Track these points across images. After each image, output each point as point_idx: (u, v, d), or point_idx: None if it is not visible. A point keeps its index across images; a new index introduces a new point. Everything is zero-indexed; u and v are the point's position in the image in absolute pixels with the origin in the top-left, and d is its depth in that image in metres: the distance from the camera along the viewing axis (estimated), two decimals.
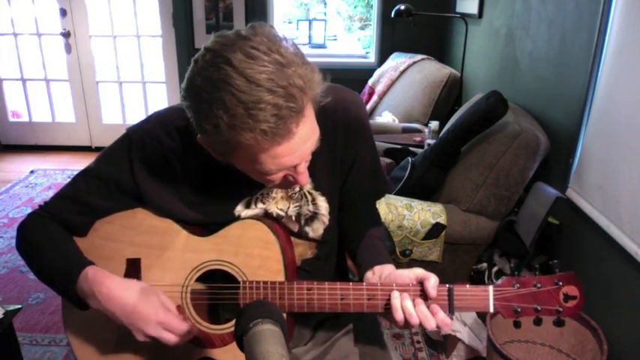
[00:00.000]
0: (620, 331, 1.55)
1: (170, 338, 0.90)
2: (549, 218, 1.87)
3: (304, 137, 0.78)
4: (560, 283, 0.85)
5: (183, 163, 0.96)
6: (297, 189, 1.00)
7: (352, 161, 1.02)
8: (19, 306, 1.48)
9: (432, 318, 0.85)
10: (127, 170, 0.96)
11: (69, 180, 1.01)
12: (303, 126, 0.77)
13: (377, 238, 1.05)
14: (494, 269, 2.02)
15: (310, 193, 1.01)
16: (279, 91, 0.71)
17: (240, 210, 0.99)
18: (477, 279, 2.10)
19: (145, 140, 0.95)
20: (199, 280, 0.99)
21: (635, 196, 1.43)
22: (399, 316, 0.85)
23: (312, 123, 0.81)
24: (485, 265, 2.07)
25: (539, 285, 0.85)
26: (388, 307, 0.87)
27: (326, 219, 1.03)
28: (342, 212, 1.09)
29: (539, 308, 0.86)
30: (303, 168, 0.85)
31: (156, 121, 0.97)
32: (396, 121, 3.36)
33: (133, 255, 1.00)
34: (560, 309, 0.86)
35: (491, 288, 0.86)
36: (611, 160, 1.57)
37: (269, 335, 0.71)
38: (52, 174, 3.87)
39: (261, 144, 0.75)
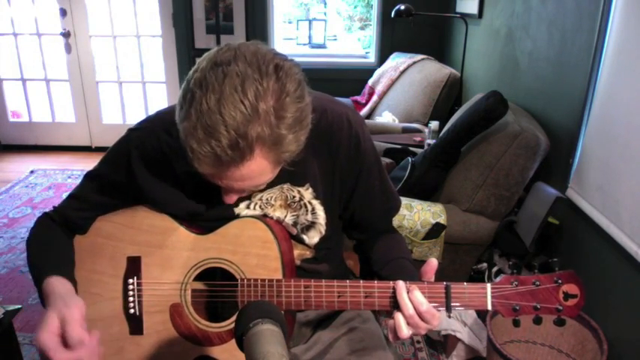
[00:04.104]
0: (620, 331, 1.55)
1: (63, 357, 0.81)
2: (549, 218, 1.87)
3: (234, 178, 0.77)
4: (560, 281, 0.84)
5: (182, 161, 0.96)
6: (298, 198, 1.00)
7: (355, 178, 1.02)
8: (19, 306, 1.48)
9: (437, 313, 0.85)
10: (124, 169, 0.97)
11: (76, 175, 1.06)
12: (236, 171, 0.75)
13: (405, 259, 1.04)
14: (495, 269, 2.02)
15: (310, 203, 1.01)
16: (232, 135, 0.70)
17: (240, 210, 1.00)
18: (477, 279, 2.10)
19: (143, 138, 0.96)
20: (199, 278, 0.99)
21: (635, 196, 1.43)
22: (407, 310, 0.84)
23: (253, 173, 0.77)
24: (485, 265, 2.07)
25: (537, 283, 0.85)
26: (393, 304, 0.87)
27: (323, 229, 1.04)
28: (357, 232, 1.12)
29: (538, 306, 0.85)
30: (229, 193, 0.87)
31: (155, 120, 0.98)
32: (396, 121, 3.36)
33: (133, 253, 1.00)
34: (560, 307, 0.85)
35: (489, 286, 0.86)
36: (611, 160, 1.57)
37: (269, 335, 0.71)
38: (52, 174, 3.86)
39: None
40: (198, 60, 0.78)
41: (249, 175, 0.78)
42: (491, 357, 1.61)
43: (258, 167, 0.77)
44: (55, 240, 1.02)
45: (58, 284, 0.92)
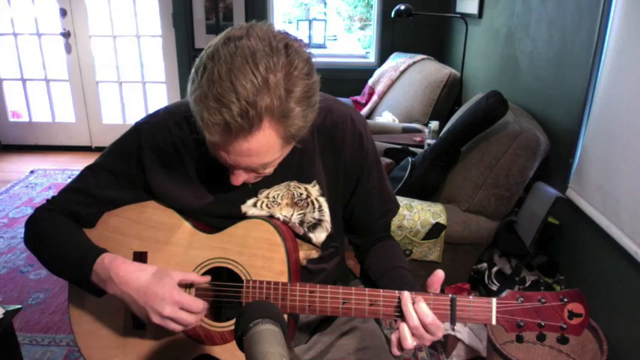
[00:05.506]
0: (620, 331, 1.55)
1: (186, 318, 0.88)
2: (549, 218, 1.87)
3: (242, 151, 0.78)
4: (566, 300, 0.85)
5: (192, 153, 0.96)
6: (305, 196, 1.00)
7: (357, 177, 1.02)
8: (19, 306, 1.48)
9: (441, 324, 0.85)
10: (135, 161, 0.97)
11: (76, 174, 1.02)
12: (244, 143, 0.76)
13: (404, 269, 1.04)
14: (494, 269, 2.02)
15: (317, 200, 1.01)
16: (242, 104, 0.72)
17: (247, 208, 1.00)
18: (477, 279, 2.10)
19: (154, 131, 0.96)
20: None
21: (635, 196, 1.43)
22: (413, 321, 0.84)
23: (261, 147, 0.78)
24: (485, 265, 2.07)
25: (543, 300, 0.85)
26: (397, 314, 0.87)
27: (329, 226, 1.04)
28: (354, 236, 1.12)
29: (542, 324, 0.85)
30: (235, 172, 0.86)
31: (165, 113, 0.98)
32: (396, 121, 3.36)
33: (139, 249, 1.00)
34: (565, 326, 0.85)
35: (494, 300, 0.85)
36: (611, 160, 1.57)
37: (269, 335, 0.71)
38: (52, 174, 3.87)
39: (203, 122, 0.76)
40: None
41: (257, 150, 0.78)
42: (491, 357, 1.61)
43: (267, 141, 0.77)
44: (74, 225, 1.00)
45: (122, 259, 0.92)
